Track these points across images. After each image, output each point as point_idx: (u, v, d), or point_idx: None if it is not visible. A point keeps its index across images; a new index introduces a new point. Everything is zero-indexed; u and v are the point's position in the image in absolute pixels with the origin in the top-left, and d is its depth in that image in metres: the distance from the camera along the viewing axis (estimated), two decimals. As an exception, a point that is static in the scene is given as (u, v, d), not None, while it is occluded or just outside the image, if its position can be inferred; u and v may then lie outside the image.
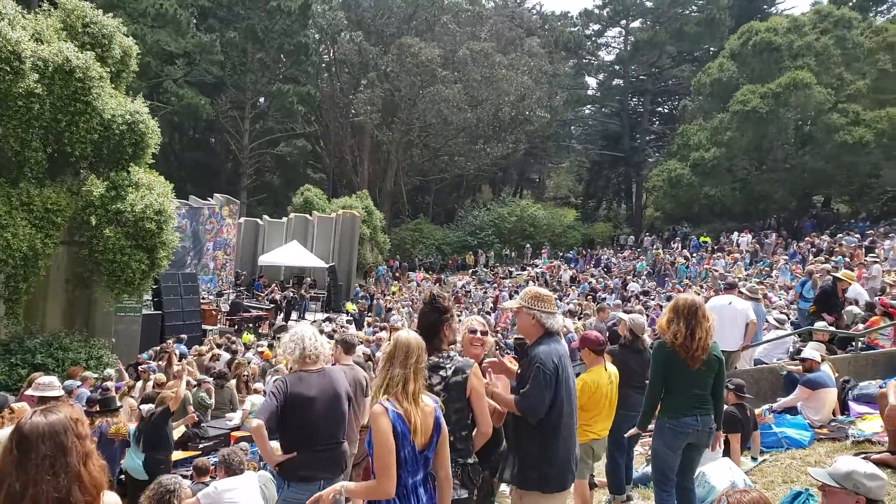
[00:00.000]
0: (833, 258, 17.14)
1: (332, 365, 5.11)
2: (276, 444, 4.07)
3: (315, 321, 19.94)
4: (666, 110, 50.46)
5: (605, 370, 4.93)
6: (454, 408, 3.27)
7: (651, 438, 4.83)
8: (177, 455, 8.32)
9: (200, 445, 8.53)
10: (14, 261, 10.57)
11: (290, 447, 3.74)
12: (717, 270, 21.85)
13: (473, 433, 3.37)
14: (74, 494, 1.80)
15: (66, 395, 7.41)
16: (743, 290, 9.24)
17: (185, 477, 6.56)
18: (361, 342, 14.08)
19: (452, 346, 3.58)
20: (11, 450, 1.79)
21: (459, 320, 4.31)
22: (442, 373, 3.28)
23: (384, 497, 2.76)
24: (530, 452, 3.46)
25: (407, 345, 2.89)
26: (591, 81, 53.64)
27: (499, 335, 16.81)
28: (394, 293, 29.29)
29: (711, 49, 42.86)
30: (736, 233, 29.10)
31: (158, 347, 13.60)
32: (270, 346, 13.83)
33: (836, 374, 7.37)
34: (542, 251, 36.67)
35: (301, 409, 3.67)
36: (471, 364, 3.36)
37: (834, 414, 6.94)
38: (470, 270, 35.76)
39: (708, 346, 4.11)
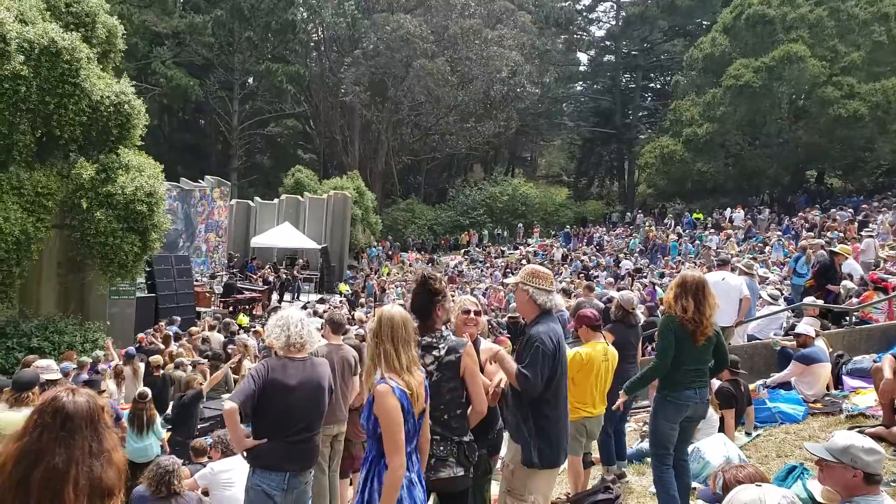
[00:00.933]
0: (826, 233, 17.22)
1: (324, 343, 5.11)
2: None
3: (309, 302, 19.95)
4: (658, 86, 50.11)
5: (603, 347, 4.95)
6: (448, 387, 3.30)
7: (648, 414, 4.87)
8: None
9: (197, 426, 8.54)
10: (6, 245, 10.51)
11: (260, 433, 3.61)
12: (709, 247, 21.92)
13: (468, 412, 3.39)
14: (109, 477, 1.84)
15: (63, 377, 7.40)
16: (739, 264, 9.28)
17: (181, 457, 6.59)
18: (356, 323, 14.08)
19: (446, 326, 3.59)
20: (53, 427, 1.78)
21: (453, 299, 4.32)
22: (435, 352, 3.31)
23: (400, 473, 2.83)
24: (525, 429, 3.51)
25: (391, 319, 2.93)
26: (583, 57, 53.29)
27: (492, 314, 16.85)
28: (387, 274, 29.29)
29: (704, 23, 42.47)
30: (729, 209, 29.12)
31: (151, 329, 13.57)
32: (264, 327, 13.83)
33: (831, 349, 7.44)
34: (534, 230, 36.67)
35: (278, 397, 3.56)
36: (464, 343, 3.38)
37: (828, 388, 7.02)
38: (462, 250, 35.76)
39: (713, 321, 4.19)
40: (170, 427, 8.15)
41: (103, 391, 7.59)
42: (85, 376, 8.77)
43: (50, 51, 11.08)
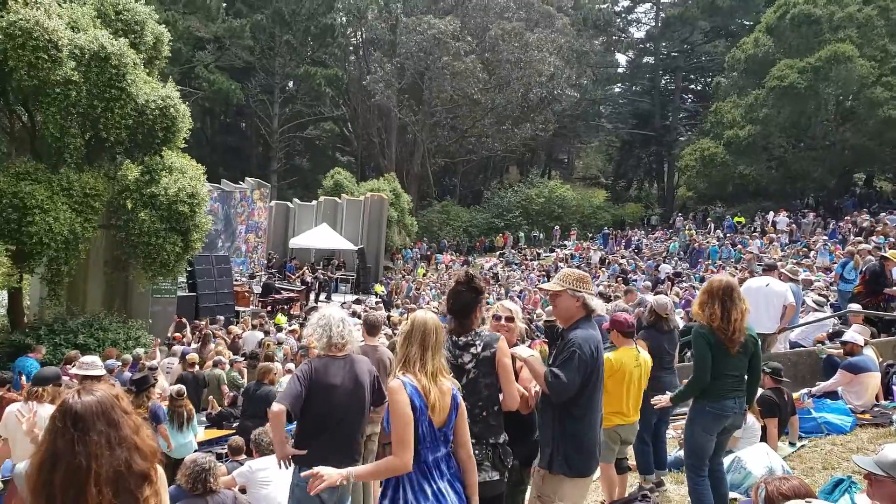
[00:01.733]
0: (874, 238, 16.61)
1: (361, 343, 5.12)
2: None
3: (345, 303, 20.12)
4: (699, 87, 49.22)
5: (636, 354, 4.85)
6: (485, 382, 3.30)
7: (684, 422, 4.75)
8: (212, 433, 8.51)
9: (234, 424, 8.67)
10: (56, 244, 10.84)
11: (306, 433, 3.65)
12: (751, 252, 21.40)
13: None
14: (136, 462, 1.86)
15: (107, 374, 7.59)
16: (783, 270, 9.00)
17: (219, 455, 6.69)
18: (390, 325, 14.14)
19: (482, 327, 3.58)
20: (66, 430, 1.82)
21: (488, 303, 4.29)
22: (472, 350, 3.32)
23: (402, 471, 2.79)
24: (558, 435, 3.46)
25: (424, 324, 2.91)
26: (621, 59, 52.64)
27: (531, 316, 16.70)
28: (423, 275, 29.36)
29: (746, 23, 41.55)
30: (772, 212, 28.39)
31: (187, 329, 13.87)
32: (302, 326, 14.01)
33: (880, 359, 7.16)
34: (571, 232, 36.33)
35: (322, 396, 3.59)
36: (497, 338, 3.39)
37: (877, 399, 6.75)
38: (498, 252, 35.63)
39: (744, 327, 4.04)
40: (238, 416, 8.44)
41: (154, 383, 7.73)
42: (129, 374, 8.99)
43: (99, 56, 11.41)
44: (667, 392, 5.48)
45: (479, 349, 3.32)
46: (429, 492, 2.80)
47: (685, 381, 5.57)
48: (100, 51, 11.41)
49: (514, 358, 3.58)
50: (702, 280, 18.06)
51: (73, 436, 1.81)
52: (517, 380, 3.51)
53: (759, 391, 6.00)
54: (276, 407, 3.49)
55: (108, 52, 11.45)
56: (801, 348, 8.63)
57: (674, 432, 7.04)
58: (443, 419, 2.85)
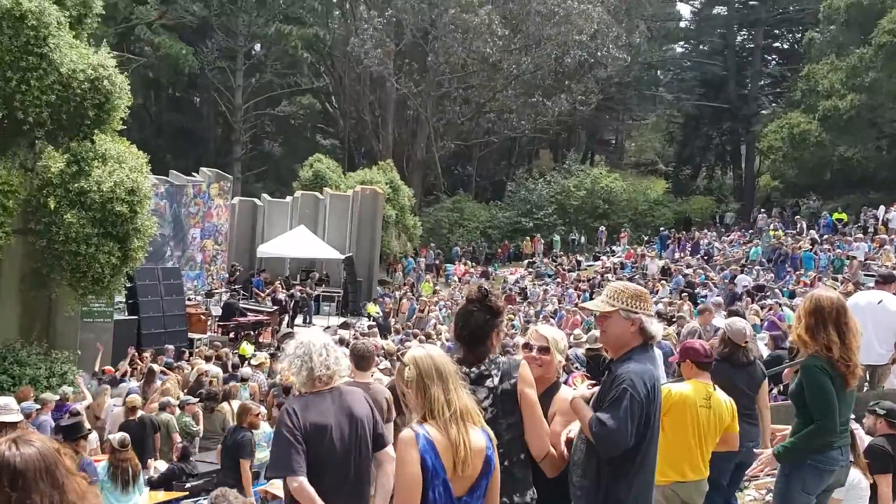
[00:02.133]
0: None
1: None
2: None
3: (329, 327, 20.15)
4: (785, 46, 49.18)
5: (708, 391, 4.83)
6: (507, 423, 3.30)
7: (773, 480, 4.72)
8: (159, 496, 8.52)
9: (187, 485, 8.68)
10: (-42, 255, 10.91)
11: None
12: (856, 258, 21.27)
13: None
14: None
15: (23, 419, 7.64)
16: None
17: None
18: (383, 355, 14.12)
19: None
20: (2, 489, 1.82)
21: (513, 327, 4.28)
22: (489, 383, 3.32)
23: None
24: (601, 497, 3.41)
25: (430, 358, 2.90)
26: (685, 10, 52.72)
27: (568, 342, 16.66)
28: (433, 293, 29.33)
29: (847, -38, 41.52)
30: (882, 207, 28.21)
31: (128, 359, 13.93)
32: (273, 357, 14.02)
33: None
34: (622, 234, 36.25)
35: (316, 440, 3.61)
36: (518, 364, 3.40)
37: None
38: (525, 261, 35.61)
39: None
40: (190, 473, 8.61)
41: (89, 432, 7.81)
42: (46, 417, 9.03)
43: (12, 14, 11.48)
44: (751, 444, 5.44)
45: (497, 381, 3.32)
46: None
47: (769, 426, 5.55)
48: (13, 8, 11.47)
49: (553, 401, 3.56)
50: (791, 296, 17.95)
51: (9, 497, 1.81)
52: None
53: (868, 439, 5.96)
54: (294, 483, 3.48)
55: (24, 10, 11.51)
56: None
57: (756, 493, 7.00)
58: (466, 486, 2.82)
